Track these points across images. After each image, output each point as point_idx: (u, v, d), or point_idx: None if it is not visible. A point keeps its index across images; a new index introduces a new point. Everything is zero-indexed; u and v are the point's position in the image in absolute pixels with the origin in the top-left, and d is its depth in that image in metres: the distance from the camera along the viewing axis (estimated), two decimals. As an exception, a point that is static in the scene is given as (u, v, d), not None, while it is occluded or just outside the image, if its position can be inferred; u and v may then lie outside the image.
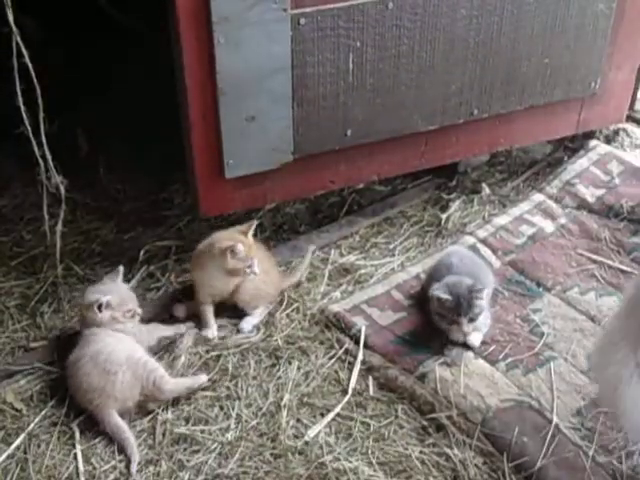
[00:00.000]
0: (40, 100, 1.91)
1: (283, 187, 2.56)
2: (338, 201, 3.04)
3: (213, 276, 2.35)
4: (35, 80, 1.93)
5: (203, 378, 2.16)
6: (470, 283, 2.23)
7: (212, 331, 2.37)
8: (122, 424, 2.05)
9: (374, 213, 2.93)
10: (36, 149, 1.94)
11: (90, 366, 2.09)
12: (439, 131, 2.69)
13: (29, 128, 1.90)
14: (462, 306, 2.19)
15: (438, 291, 2.23)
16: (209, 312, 2.39)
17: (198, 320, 2.41)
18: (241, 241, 2.29)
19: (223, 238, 2.33)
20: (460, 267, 2.36)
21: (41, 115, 1.91)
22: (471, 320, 2.21)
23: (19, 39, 1.89)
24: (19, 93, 1.85)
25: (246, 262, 2.30)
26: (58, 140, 2.21)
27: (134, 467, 1.96)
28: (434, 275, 2.41)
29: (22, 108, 1.85)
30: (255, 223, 2.38)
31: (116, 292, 2.23)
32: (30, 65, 1.88)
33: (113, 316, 2.19)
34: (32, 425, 2.08)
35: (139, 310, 2.27)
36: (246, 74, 2.24)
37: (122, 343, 2.16)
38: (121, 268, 2.32)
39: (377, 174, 2.76)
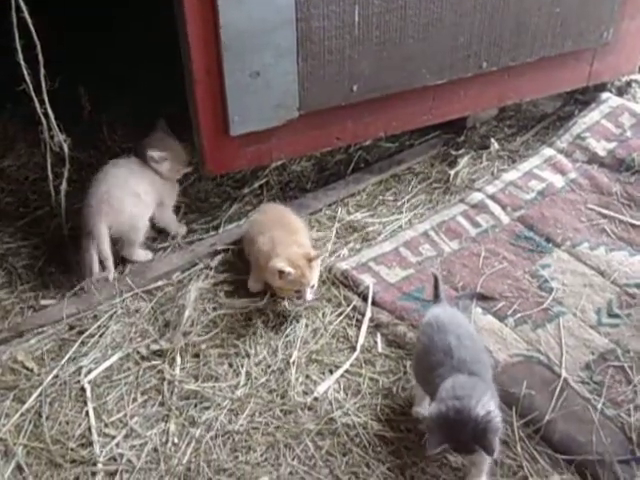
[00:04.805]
0: (41, 56, 1.87)
1: (289, 144, 2.53)
2: (345, 158, 3.01)
3: (270, 279, 2.28)
4: (35, 36, 1.90)
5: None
6: (476, 419, 1.62)
7: (255, 286, 2.37)
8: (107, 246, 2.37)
9: (381, 170, 2.91)
10: (38, 106, 1.92)
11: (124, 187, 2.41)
12: (447, 85, 2.65)
13: (30, 85, 1.87)
14: (460, 451, 1.73)
15: (432, 442, 1.67)
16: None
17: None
18: (298, 266, 2.18)
19: (285, 255, 2.21)
20: (461, 351, 1.80)
21: (42, 71, 1.88)
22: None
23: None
24: (19, 49, 1.82)
25: (294, 286, 2.22)
26: (60, 100, 2.19)
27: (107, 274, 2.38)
28: (429, 360, 1.84)
29: (22, 65, 1.82)
30: (322, 255, 2.32)
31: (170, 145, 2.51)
32: (29, 20, 1.84)
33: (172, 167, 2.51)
34: (44, 384, 2.11)
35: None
36: (250, 28, 2.19)
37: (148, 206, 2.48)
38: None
39: (384, 130, 2.72)
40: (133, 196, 2.42)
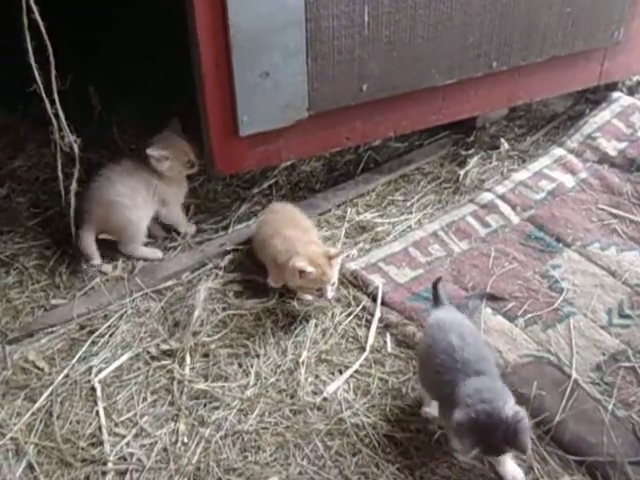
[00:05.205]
0: (52, 57, 1.88)
1: (298, 144, 2.53)
2: (354, 158, 3.01)
3: (290, 279, 2.27)
4: (46, 37, 1.90)
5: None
6: (506, 420, 1.63)
7: (276, 284, 2.37)
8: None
9: (391, 170, 2.90)
10: (49, 107, 1.93)
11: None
12: (457, 85, 2.64)
13: (41, 86, 1.87)
14: (492, 453, 1.74)
15: (465, 447, 1.68)
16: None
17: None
18: (318, 265, 2.18)
19: (305, 254, 2.20)
20: (464, 349, 1.79)
21: (53, 72, 1.88)
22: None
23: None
24: (30, 50, 1.82)
25: (315, 285, 2.21)
26: (71, 100, 2.19)
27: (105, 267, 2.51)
28: (431, 358, 1.84)
29: (34, 65, 1.83)
30: (344, 254, 2.34)
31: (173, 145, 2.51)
32: (40, 22, 1.85)
33: (172, 166, 2.51)
34: (55, 383, 2.11)
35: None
36: (259, 28, 2.20)
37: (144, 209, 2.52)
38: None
39: (393, 130, 2.72)
40: (118, 198, 2.46)
